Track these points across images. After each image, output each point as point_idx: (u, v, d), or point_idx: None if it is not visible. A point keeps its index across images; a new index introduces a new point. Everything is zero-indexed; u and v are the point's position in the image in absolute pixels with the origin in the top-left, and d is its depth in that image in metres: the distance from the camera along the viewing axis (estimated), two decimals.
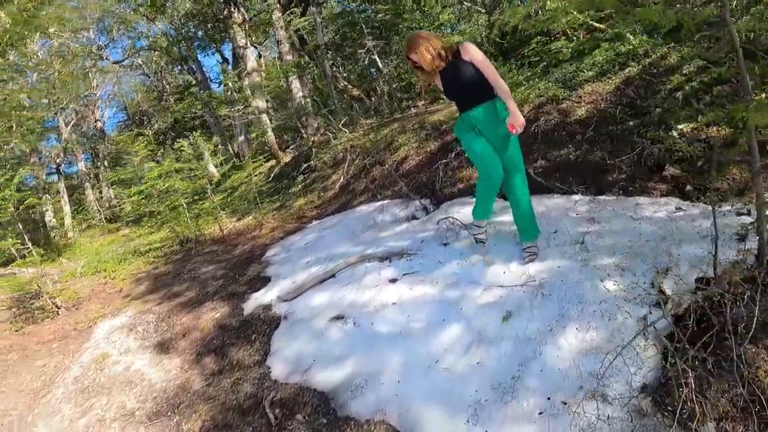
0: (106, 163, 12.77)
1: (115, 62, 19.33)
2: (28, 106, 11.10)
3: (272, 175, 10.62)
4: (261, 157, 11.81)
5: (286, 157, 10.96)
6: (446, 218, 5.58)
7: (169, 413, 4.48)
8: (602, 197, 5.38)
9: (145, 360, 5.26)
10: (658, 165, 5.51)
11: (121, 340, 5.67)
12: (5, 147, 11.10)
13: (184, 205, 8.27)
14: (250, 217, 8.84)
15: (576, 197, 5.48)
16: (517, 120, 4.25)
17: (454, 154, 6.90)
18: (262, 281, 6.04)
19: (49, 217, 12.86)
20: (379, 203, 7.15)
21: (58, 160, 13.66)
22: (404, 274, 4.92)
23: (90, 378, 5.18)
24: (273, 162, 11.24)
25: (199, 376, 4.82)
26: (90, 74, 16.86)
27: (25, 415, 4.95)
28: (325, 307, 4.96)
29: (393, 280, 4.89)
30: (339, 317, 4.74)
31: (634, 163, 5.62)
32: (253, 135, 13.21)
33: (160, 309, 6.18)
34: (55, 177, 13.95)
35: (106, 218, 10.47)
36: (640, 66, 6.77)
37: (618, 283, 3.96)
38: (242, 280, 6.23)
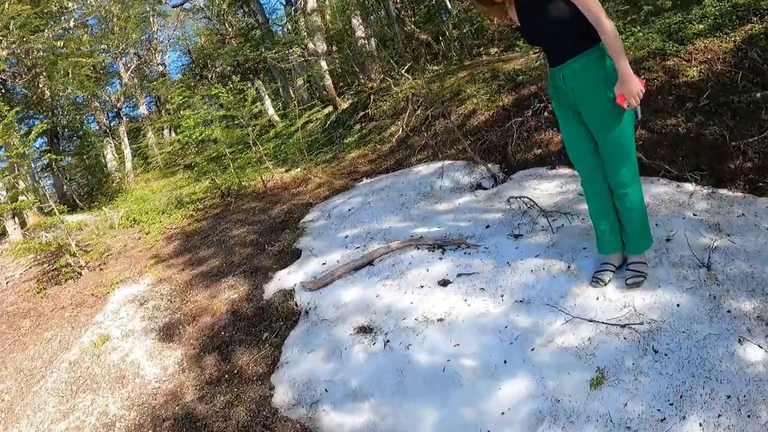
0: (167, 106, 11.73)
1: (175, 5, 17.97)
2: (87, 53, 10.05)
3: (328, 123, 9.19)
4: (319, 103, 10.39)
5: (344, 104, 9.47)
6: (519, 197, 4.00)
7: None
8: (724, 192, 3.63)
9: (144, 348, 4.11)
10: None
11: (128, 318, 4.54)
12: (62, 93, 10.21)
13: (228, 154, 7.03)
14: (299, 169, 7.50)
15: (690, 187, 3.75)
16: (630, 86, 2.55)
17: (531, 111, 5.21)
18: (291, 255, 4.71)
19: (111, 161, 12.04)
20: (439, 164, 5.59)
21: (119, 105, 12.68)
22: (459, 275, 3.44)
23: (84, 367, 4.09)
24: (330, 109, 9.79)
25: (194, 383, 3.62)
26: (150, 18, 15.63)
27: (15, 404, 3.94)
28: (353, 309, 3.57)
29: (444, 283, 3.42)
30: (368, 329, 3.34)
31: (764, 149, 3.79)
32: (312, 79, 11.76)
33: (180, 278, 5.00)
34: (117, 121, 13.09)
35: (164, 163, 9.50)
36: (765, 24, 4.72)
37: (765, 349, 2.39)
38: (271, 250, 4.93)
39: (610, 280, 2.99)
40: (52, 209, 5.73)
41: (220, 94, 6.62)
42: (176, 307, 4.54)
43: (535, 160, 4.76)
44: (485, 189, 4.67)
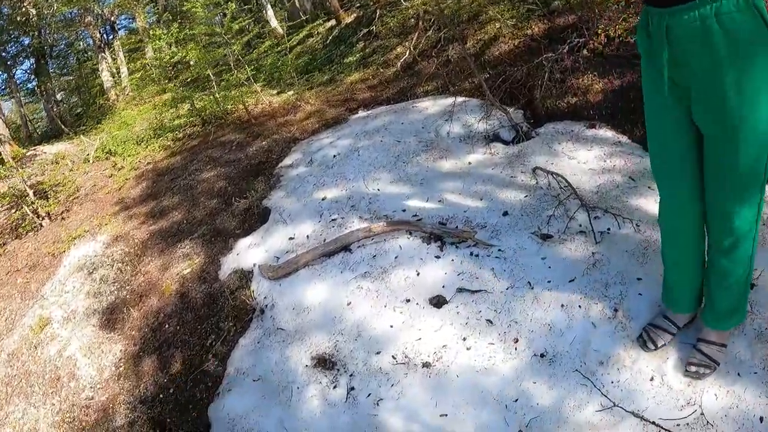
0: (166, 17, 9.93)
1: None
2: None
3: (329, 39, 7.56)
4: (322, 14, 8.63)
5: (348, 18, 7.75)
6: (550, 172, 2.70)
7: None
8: None
9: (83, 339, 3.08)
10: None
11: (73, 293, 3.48)
12: (47, 11, 8.52)
13: (211, 76, 5.63)
14: (292, 92, 6.06)
15: None
16: None
17: (568, 47, 3.67)
18: (257, 217, 3.50)
19: (107, 79, 10.43)
20: (448, 101, 4.17)
21: (112, 18, 10.81)
22: (460, 291, 2.24)
23: (21, 361, 3.16)
24: (333, 23, 8.08)
25: (127, 398, 2.65)
26: None
27: None
28: (316, 321, 2.42)
29: (438, 302, 2.22)
30: (329, 362, 2.20)
31: None
32: None
33: (137, 235, 3.86)
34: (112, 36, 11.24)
35: (160, 78, 8.09)
36: None
37: None
38: (237, 207, 3.71)
39: (663, 346, 1.79)
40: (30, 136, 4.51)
41: (193, 8, 5.07)
42: (125, 280, 3.44)
43: (568, 110, 3.32)
44: (504, 142, 3.31)
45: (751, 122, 1.31)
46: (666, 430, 1.60)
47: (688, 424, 1.61)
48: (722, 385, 1.67)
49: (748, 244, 1.54)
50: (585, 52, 3.55)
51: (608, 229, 2.29)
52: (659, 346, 1.78)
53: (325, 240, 2.89)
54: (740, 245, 1.53)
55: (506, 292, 2.14)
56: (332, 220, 3.06)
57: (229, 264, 3.14)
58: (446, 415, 1.84)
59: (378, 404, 1.96)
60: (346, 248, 2.75)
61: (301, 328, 2.43)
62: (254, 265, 2.99)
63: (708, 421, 1.61)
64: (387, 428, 1.89)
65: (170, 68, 5.64)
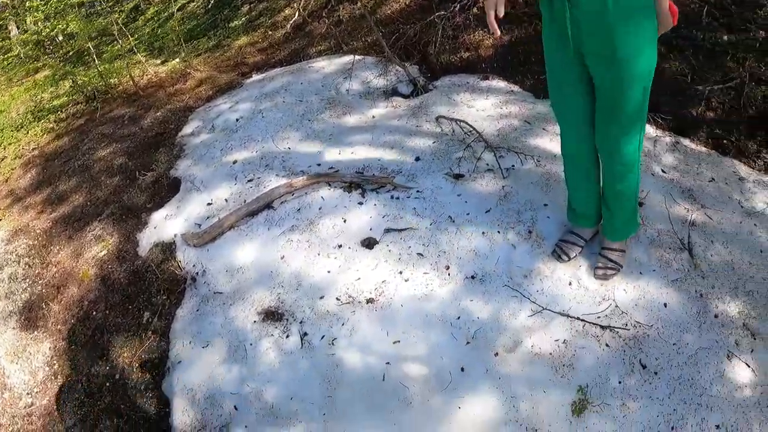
0: None
1: None
2: None
3: (211, 3, 7.03)
4: None
5: None
6: (453, 119, 2.81)
7: None
8: (687, 143, 2.65)
9: (5, 347, 2.74)
10: (762, 116, 2.66)
11: None
12: None
13: (91, 48, 5.02)
14: (177, 60, 5.58)
15: (652, 130, 2.70)
16: (666, 20, 1.54)
17: (459, 5, 3.73)
18: (168, 188, 3.28)
19: None
20: (345, 59, 4.11)
21: None
22: (388, 231, 2.31)
23: None
24: None
25: (72, 396, 2.41)
26: None
27: None
28: (254, 279, 2.38)
29: (369, 243, 2.28)
30: (276, 314, 2.20)
31: (728, 100, 2.75)
32: None
33: (39, 225, 3.45)
34: None
35: (31, 56, 6.86)
36: None
37: (754, 369, 1.74)
38: (143, 181, 3.45)
39: (575, 257, 2.04)
40: None
41: None
42: (36, 274, 3.08)
43: (462, 64, 3.43)
44: (404, 96, 3.36)
45: (635, 70, 1.56)
46: (589, 322, 1.85)
47: (607, 315, 1.88)
48: (629, 281, 1.97)
49: (635, 169, 1.81)
50: (475, 10, 3.65)
51: (513, 165, 2.48)
52: (571, 257, 2.04)
53: (245, 201, 2.81)
54: (629, 171, 1.80)
55: (431, 228, 2.26)
56: (248, 181, 2.96)
57: (148, 239, 2.94)
58: (399, 341, 1.94)
59: (333, 344, 2.01)
60: (268, 206, 2.70)
61: (239, 288, 2.38)
62: (175, 235, 2.83)
63: (623, 311, 1.89)
64: (346, 364, 1.95)
65: (48, 42, 4.91)
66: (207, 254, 2.61)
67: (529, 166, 2.46)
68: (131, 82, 4.99)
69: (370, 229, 2.32)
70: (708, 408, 1.67)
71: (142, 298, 2.63)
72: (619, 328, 1.83)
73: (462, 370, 1.83)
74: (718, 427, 1.63)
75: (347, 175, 2.63)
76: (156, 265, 2.73)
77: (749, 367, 1.73)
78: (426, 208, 2.35)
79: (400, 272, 2.11)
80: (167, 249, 2.79)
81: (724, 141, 2.63)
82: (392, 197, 2.44)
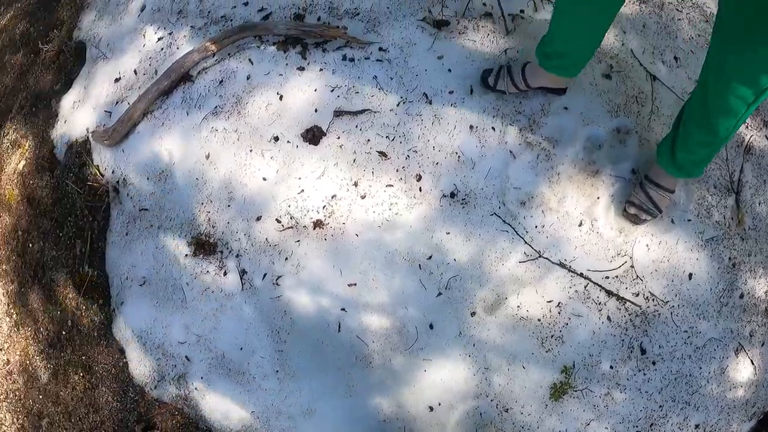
0: None
1: None
2: None
3: None
4: None
5: None
6: None
7: None
8: None
9: None
10: None
11: None
12: None
13: None
14: None
15: None
16: None
17: None
18: (74, 59, 2.51)
19: None
20: None
21: None
22: (339, 114, 1.61)
23: None
24: None
25: (38, 348, 2.25)
26: None
27: None
28: (178, 191, 1.85)
29: (313, 136, 1.60)
30: (208, 245, 1.72)
31: None
32: None
33: None
34: None
35: None
36: None
37: (757, 367, 1.47)
38: (48, 53, 2.65)
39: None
40: None
41: None
42: None
43: None
44: None
45: None
46: (594, 282, 1.37)
47: (617, 276, 1.39)
48: (655, 233, 1.41)
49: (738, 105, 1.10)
50: None
51: (521, 11, 1.59)
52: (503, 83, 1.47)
53: (156, 72, 2.10)
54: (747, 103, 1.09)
55: (397, 111, 1.56)
56: (158, 39, 2.18)
57: (61, 137, 2.36)
58: (355, 284, 1.46)
59: (278, 283, 1.56)
60: (185, 78, 2.00)
61: (164, 203, 1.88)
62: (87, 131, 2.24)
63: (637, 275, 1.40)
64: (295, 309, 1.54)
65: None
66: (123, 156, 2.04)
67: (545, 16, 1.58)
68: None
69: (315, 111, 1.63)
70: (694, 407, 1.37)
71: (70, 222, 2.19)
72: (628, 300, 1.38)
73: (431, 327, 1.43)
74: (697, 426, 1.38)
75: (281, 25, 1.81)
76: (75, 173, 2.22)
77: (753, 364, 1.39)
78: (392, 78, 1.60)
79: (355, 183, 1.52)
80: (82, 150, 2.23)
81: None
82: (344, 57, 1.66)
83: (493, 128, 1.50)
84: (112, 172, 2.10)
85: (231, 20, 2.00)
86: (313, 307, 1.55)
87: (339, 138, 1.59)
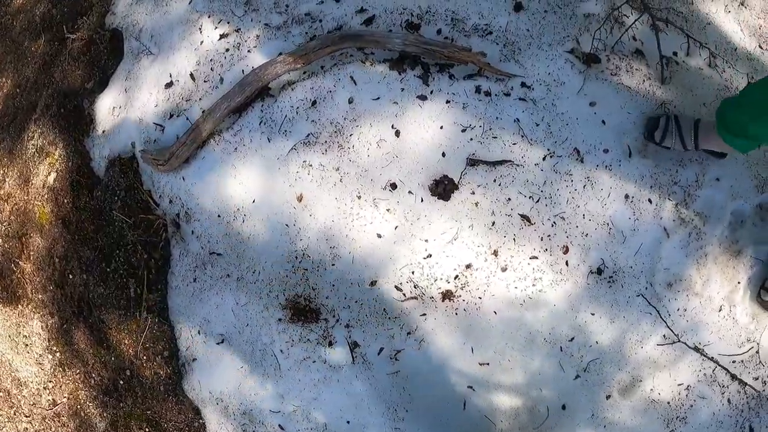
0: None
1: None
2: None
3: None
4: None
5: None
6: None
7: None
8: None
9: None
10: None
11: None
12: None
13: None
14: None
15: None
16: None
17: None
18: (108, 53, 2.14)
19: None
20: None
21: None
22: (474, 163, 1.29)
23: None
24: None
25: (89, 394, 2.02)
26: None
27: None
28: (262, 239, 1.56)
29: (443, 190, 1.29)
30: (308, 310, 1.45)
31: None
32: None
33: None
34: None
35: None
36: None
37: None
38: (75, 44, 2.28)
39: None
40: None
41: None
42: None
43: None
44: None
45: None
46: (722, 366, 1.34)
47: (742, 361, 1.38)
48: None
49: None
50: None
51: (674, 53, 1.35)
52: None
53: (222, 81, 1.76)
54: None
55: (543, 166, 1.29)
56: (221, 37, 1.82)
57: (100, 150, 2.03)
58: (487, 364, 1.28)
59: (396, 359, 1.31)
60: (263, 93, 1.66)
61: (244, 250, 1.59)
62: (132, 146, 1.91)
63: (761, 361, 1.40)
64: (415, 386, 1.35)
65: None
66: (185, 185, 1.73)
67: (698, 63, 1.35)
68: None
69: (443, 155, 1.33)
70: None
71: (119, 257, 1.89)
72: (748, 384, 1.37)
73: (563, 408, 1.34)
74: None
75: (396, 39, 1.46)
76: (121, 198, 1.90)
77: None
78: (537, 123, 1.31)
79: (494, 252, 1.26)
80: (128, 169, 1.91)
81: None
82: (479, 90, 1.34)
83: (649, 200, 1.31)
84: (170, 201, 1.80)
85: (319, 20, 1.65)
86: (437, 385, 1.35)
87: (474, 194, 1.31)
